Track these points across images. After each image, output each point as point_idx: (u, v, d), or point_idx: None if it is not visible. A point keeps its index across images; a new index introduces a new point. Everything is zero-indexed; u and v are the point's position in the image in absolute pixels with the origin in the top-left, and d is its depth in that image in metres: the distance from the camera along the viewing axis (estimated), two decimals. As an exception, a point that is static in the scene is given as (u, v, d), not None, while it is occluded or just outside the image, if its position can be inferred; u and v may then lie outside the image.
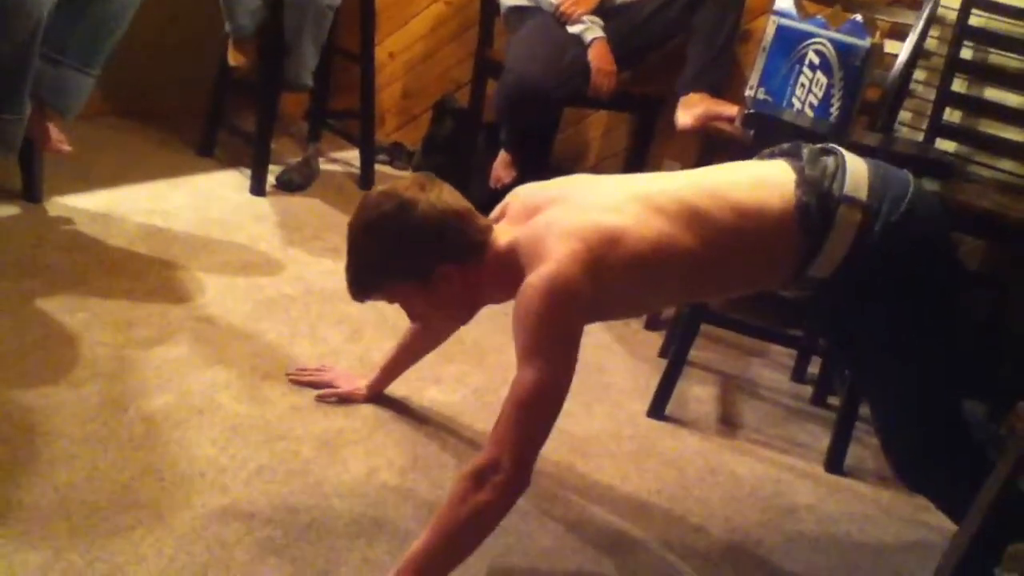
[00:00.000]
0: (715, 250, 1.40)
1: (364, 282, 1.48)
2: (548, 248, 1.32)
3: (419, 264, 1.42)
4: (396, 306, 1.74)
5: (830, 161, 1.43)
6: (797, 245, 1.41)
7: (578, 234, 1.33)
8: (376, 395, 1.85)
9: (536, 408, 1.29)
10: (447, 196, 1.44)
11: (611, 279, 1.33)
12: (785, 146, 1.52)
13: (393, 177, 3.31)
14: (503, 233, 1.46)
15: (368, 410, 1.82)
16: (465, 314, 1.56)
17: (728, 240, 1.40)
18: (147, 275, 2.15)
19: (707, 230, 1.39)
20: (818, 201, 1.39)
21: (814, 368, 2.37)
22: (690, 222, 1.38)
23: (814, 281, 1.44)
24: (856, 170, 1.42)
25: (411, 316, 1.55)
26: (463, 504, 1.25)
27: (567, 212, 1.39)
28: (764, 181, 1.44)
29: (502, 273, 1.41)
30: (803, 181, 1.41)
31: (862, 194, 1.39)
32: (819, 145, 1.49)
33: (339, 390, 1.82)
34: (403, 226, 1.40)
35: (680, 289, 1.50)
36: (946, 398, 1.49)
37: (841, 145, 1.49)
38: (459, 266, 1.43)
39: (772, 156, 1.53)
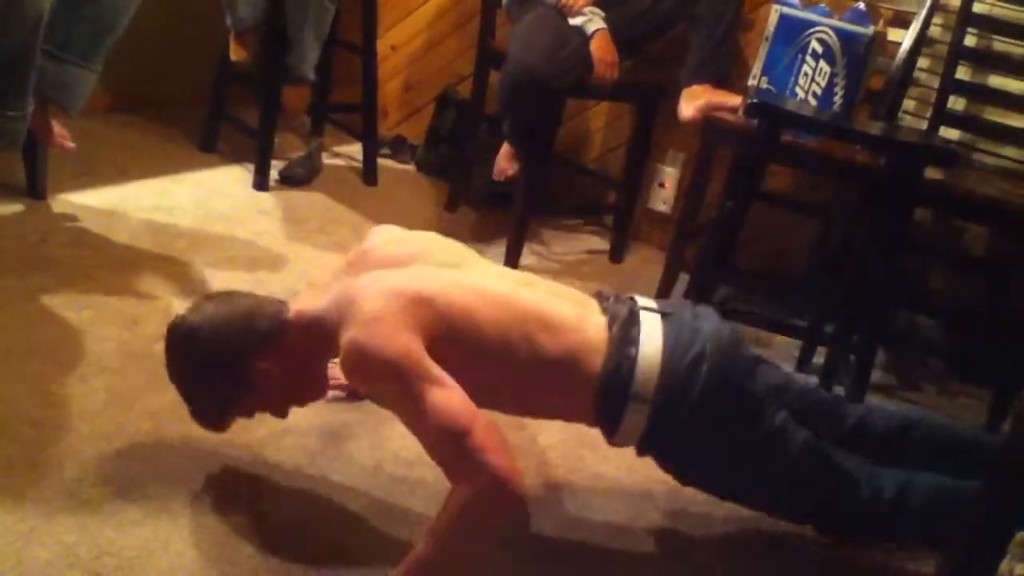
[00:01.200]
0: (517, 371, 1.41)
1: (209, 415, 1.48)
2: (359, 310, 1.33)
3: (235, 376, 1.42)
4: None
5: (632, 348, 1.42)
6: (593, 417, 1.46)
7: (389, 295, 1.33)
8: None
9: (464, 442, 1.26)
10: (223, 304, 1.45)
11: (428, 333, 1.32)
12: (612, 306, 1.50)
13: (396, 170, 3.31)
14: (322, 296, 1.45)
15: (374, 405, 1.82)
16: (314, 388, 1.54)
17: (529, 371, 1.41)
18: (152, 270, 2.15)
19: (516, 351, 1.39)
20: (611, 394, 1.41)
21: (820, 358, 2.36)
22: (505, 332, 1.39)
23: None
24: (647, 360, 1.41)
25: (275, 414, 1.52)
26: (471, 527, 1.29)
27: (387, 275, 1.40)
28: (583, 345, 1.42)
29: (316, 336, 1.41)
30: (607, 363, 1.41)
31: (649, 391, 1.40)
32: (629, 318, 1.46)
33: (346, 384, 1.82)
34: (198, 355, 1.42)
35: (484, 383, 1.43)
36: (805, 487, 1.50)
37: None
38: (268, 355, 1.42)
39: (603, 304, 1.51)
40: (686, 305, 1.56)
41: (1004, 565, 1.11)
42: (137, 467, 1.49)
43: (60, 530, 1.33)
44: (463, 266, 1.51)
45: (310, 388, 1.53)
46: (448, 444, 1.27)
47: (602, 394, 1.42)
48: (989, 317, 2.55)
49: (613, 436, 1.47)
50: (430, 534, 1.29)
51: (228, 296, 1.49)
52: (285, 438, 1.65)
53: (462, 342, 1.36)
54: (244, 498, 1.48)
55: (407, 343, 1.29)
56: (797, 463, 1.47)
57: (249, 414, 1.50)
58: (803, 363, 2.40)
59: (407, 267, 1.46)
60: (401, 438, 1.73)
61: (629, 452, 1.83)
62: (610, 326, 1.45)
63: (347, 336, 1.31)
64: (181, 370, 1.46)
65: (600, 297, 1.56)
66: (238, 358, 1.41)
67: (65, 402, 1.61)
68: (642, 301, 1.52)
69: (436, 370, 1.30)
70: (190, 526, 1.39)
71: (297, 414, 1.72)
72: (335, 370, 1.85)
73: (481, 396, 1.41)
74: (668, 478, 1.77)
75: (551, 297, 1.49)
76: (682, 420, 1.42)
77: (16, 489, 1.39)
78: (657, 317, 1.48)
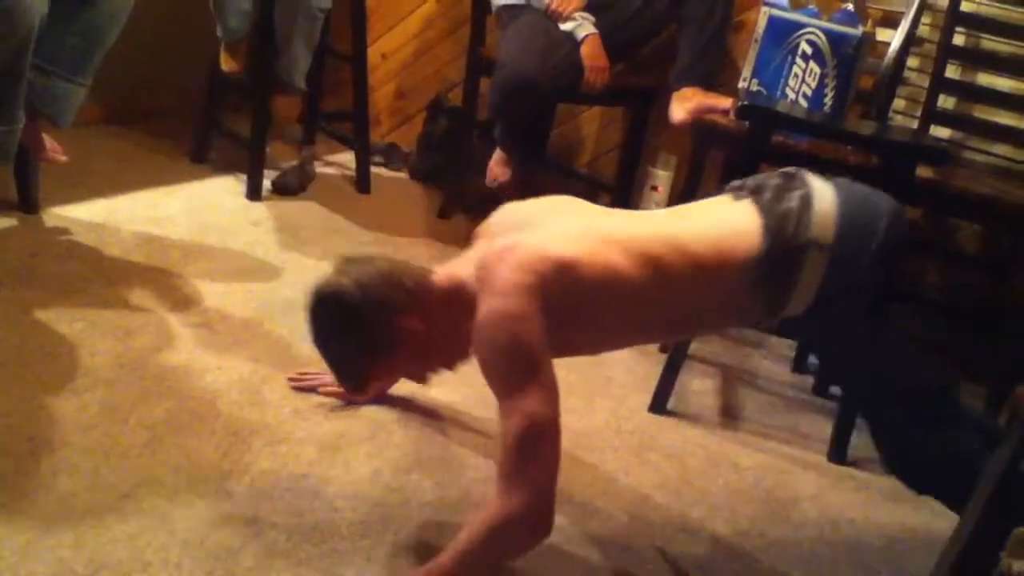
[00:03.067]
0: (671, 297, 1.40)
1: (353, 378, 1.51)
2: (498, 278, 1.33)
3: (380, 334, 1.43)
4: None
5: (796, 199, 1.39)
6: (762, 294, 1.40)
7: (528, 265, 1.32)
8: (378, 396, 1.85)
9: (535, 447, 1.28)
10: (368, 266, 1.45)
11: (561, 308, 1.33)
12: (751, 182, 1.49)
13: (389, 178, 3.31)
14: (462, 264, 1.47)
15: (370, 412, 1.82)
16: (459, 351, 1.52)
17: (684, 292, 1.40)
18: (145, 283, 2.15)
19: (663, 278, 1.38)
20: (782, 251, 1.37)
21: (814, 358, 2.37)
22: (646, 266, 1.38)
23: (784, 320, 1.45)
24: (823, 208, 1.38)
25: (416, 379, 1.56)
26: (489, 545, 1.29)
27: (524, 241, 1.38)
28: (728, 231, 1.41)
29: (460, 298, 1.41)
30: (767, 228, 1.38)
31: (828, 236, 1.36)
32: (786, 175, 1.45)
33: (341, 393, 1.82)
34: (345, 313, 1.42)
35: (636, 326, 1.47)
36: (933, 396, 1.48)
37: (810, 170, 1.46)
38: (413, 314, 1.43)
39: (739, 192, 1.49)
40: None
41: (1003, 561, 1.11)
42: (133, 480, 1.49)
43: (56, 544, 1.32)
44: (598, 218, 1.50)
45: (454, 351, 1.51)
46: (518, 453, 1.28)
47: (769, 255, 1.36)
48: (983, 314, 2.55)
49: (784, 302, 1.39)
50: (458, 540, 1.29)
51: (369, 258, 1.49)
52: (280, 447, 1.64)
53: (605, 299, 1.36)
54: (241, 509, 1.47)
55: (531, 333, 1.29)
56: (928, 372, 1.47)
57: (391, 377, 1.53)
58: (798, 363, 2.40)
59: (545, 223, 1.44)
60: (397, 446, 1.73)
61: (624, 455, 1.83)
62: (757, 194, 1.42)
63: (482, 309, 1.32)
64: (326, 330, 1.45)
65: (732, 187, 1.52)
66: (384, 314, 1.41)
67: (59, 416, 1.61)
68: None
69: (547, 368, 1.31)
70: (187, 538, 1.38)
71: (293, 424, 1.72)
72: (332, 378, 1.85)
73: (632, 336, 1.47)
74: (665, 480, 1.78)
75: (680, 218, 1.49)
76: (857, 274, 1.36)
77: (11, 503, 1.38)
78: (819, 181, 1.44)
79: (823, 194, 1.40)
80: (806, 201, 1.38)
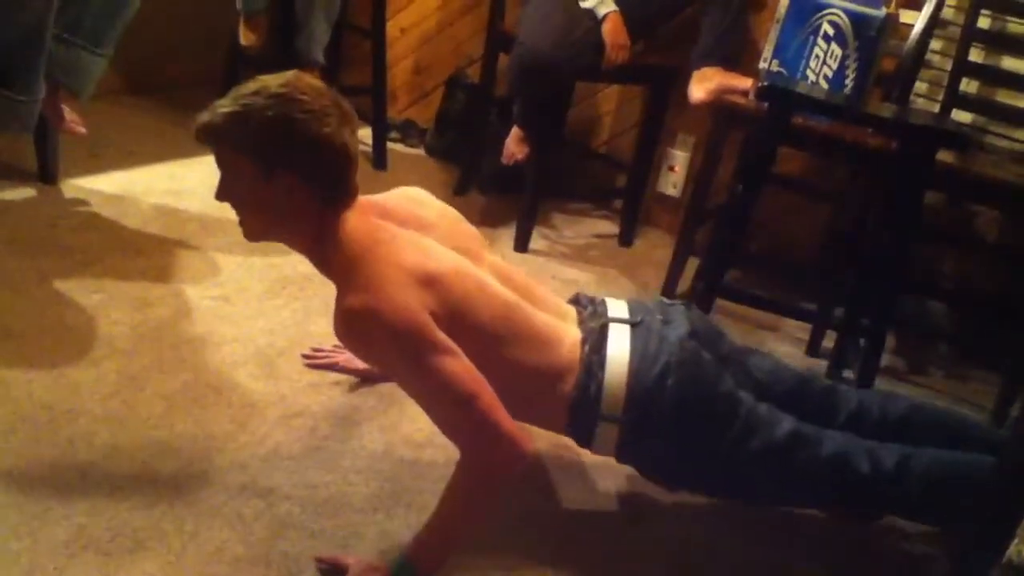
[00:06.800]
0: (491, 362, 1.39)
1: (217, 124, 1.39)
2: (372, 267, 1.32)
3: (271, 153, 1.33)
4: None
5: (601, 361, 1.44)
6: (566, 434, 1.50)
7: (399, 263, 1.33)
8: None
9: (468, 403, 1.28)
10: (349, 135, 1.38)
11: (430, 309, 1.32)
12: (593, 324, 1.50)
13: (405, 154, 3.30)
14: (359, 219, 1.40)
15: (384, 387, 1.83)
16: (280, 235, 1.44)
17: (500, 376, 1.39)
18: (162, 255, 2.16)
19: (497, 352, 1.41)
20: (582, 414, 1.44)
21: (829, 342, 2.36)
22: (488, 330, 1.40)
23: None
24: (613, 380, 1.43)
25: (219, 196, 1.42)
26: (471, 493, 1.32)
27: (400, 245, 1.37)
28: (554, 365, 1.44)
29: (323, 239, 1.37)
30: (575, 389, 1.43)
31: (617, 411, 1.43)
32: (604, 325, 1.48)
33: (358, 367, 1.83)
34: (289, 115, 1.32)
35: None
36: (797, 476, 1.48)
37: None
38: (303, 187, 1.35)
39: (581, 315, 1.52)
40: (656, 309, 1.55)
41: (1012, 549, 1.11)
42: (150, 449, 1.51)
43: (74, 511, 1.34)
44: (473, 255, 1.50)
45: (274, 230, 1.43)
46: (457, 410, 1.29)
47: (572, 413, 1.45)
48: (999, 302, 2.54)
49: (589, 448, 1.50)
50: (444, 499, 1.31)
51: (355, 136, 1.40)
52: (295, 420, 1.66)
53: (458, 329, 1.35)
54: (256, 480, 1.49)
55: (414, 311, 1.29)
56: (784, 451, 1.45)
57: (222, 168, 1.42)
58: (812, 347, 2.40)
59: (422, 233, 1.44)
60: (411, 421, 1.74)
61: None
62: (583, 344, 1.47)
63: (351, 299, 1.30)
64: (265, 98, 1.35)
65: (578, 304, 1.57)
66: (290, 156, 1.33)
67: (77, 385, 1.63)
68: (613, 311, 1.53)
69: (442, 337, 1.30)
70: (202, 508, 1.40)
71: (308, 397, 1.73)
72: (347, 355, 1.87)
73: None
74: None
75: (539, 309, 1.50)
76: (654, 433, 1.44)
77: (30, 471, 1.41)
78: (626, 329, 1.48)
79: (617, 364, 1.44)
80: (601, 379, 1.43)
